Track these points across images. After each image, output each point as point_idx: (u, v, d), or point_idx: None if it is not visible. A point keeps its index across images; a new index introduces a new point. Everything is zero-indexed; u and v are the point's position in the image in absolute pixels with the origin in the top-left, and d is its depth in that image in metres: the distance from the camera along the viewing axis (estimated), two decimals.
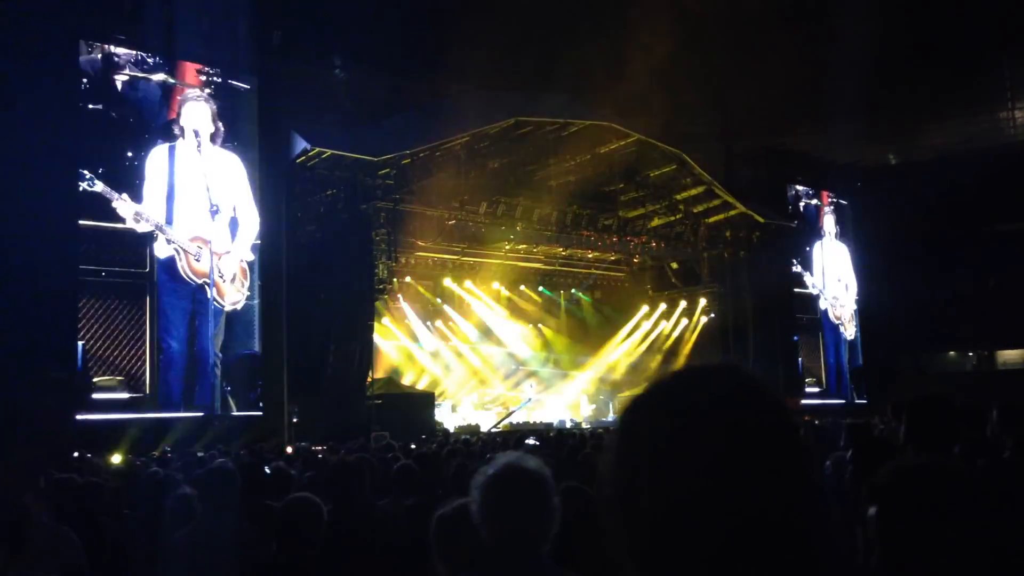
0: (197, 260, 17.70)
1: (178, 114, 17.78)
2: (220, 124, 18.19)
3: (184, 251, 17.56)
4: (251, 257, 18.37)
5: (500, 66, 20.53)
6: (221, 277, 17.90)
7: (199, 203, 17.82)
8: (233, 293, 18.21)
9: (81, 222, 16.13)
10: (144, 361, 16.81)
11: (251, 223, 18.46)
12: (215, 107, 18.18)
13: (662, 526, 0.98)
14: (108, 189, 16.56)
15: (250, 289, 18.41)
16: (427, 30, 20.93)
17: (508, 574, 2.16)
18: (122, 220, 16.73)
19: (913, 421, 3.21)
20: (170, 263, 17.47)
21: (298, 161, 18.50)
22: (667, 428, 1.01)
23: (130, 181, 16.96)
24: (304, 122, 19.02)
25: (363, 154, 18.64)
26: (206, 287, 17.77)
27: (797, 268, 27.22)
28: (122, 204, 16.83)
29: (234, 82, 18.35)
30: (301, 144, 18.31)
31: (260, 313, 17.98)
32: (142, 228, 17.05)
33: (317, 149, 18.28)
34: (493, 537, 2.22)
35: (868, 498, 1.70)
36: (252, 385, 18.02)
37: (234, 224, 18.22)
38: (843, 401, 27.46)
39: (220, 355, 17.85)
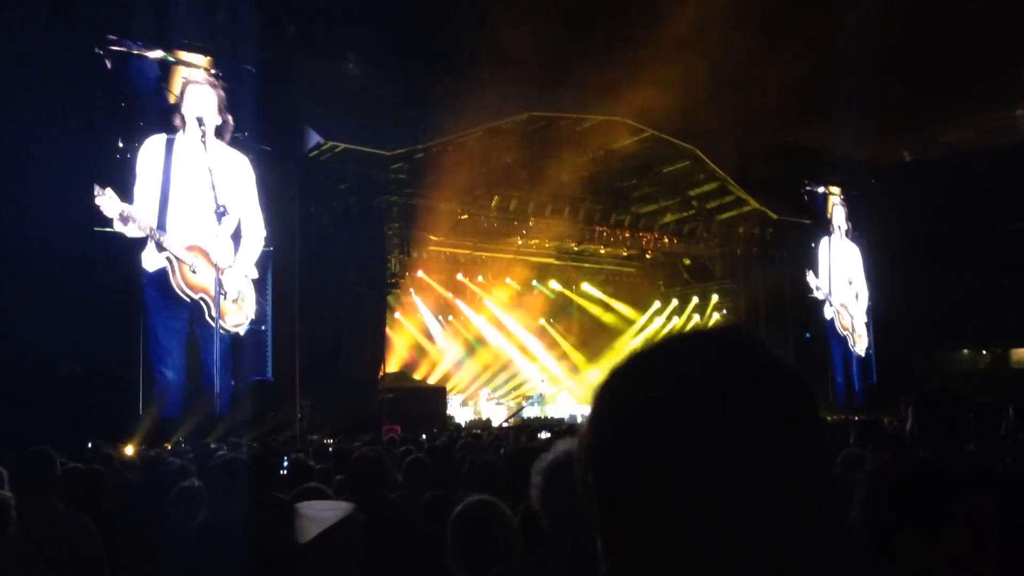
0: (193, 272, 15.63)
1: (180, 100, 15.84)
2: (229, 117, 16.48)
3: (178, 260, 15.48)
4: (255, 274, 16.80)
5: (514, 61, 20.48)
6: (223, 294, 15.91)
7: (199, 206, 15.74)
8: (235, 314, 16.30)
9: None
10: (137, 394, 15.02)
11: (257, 235, 16.90)
12: (223, 95, 16.45)
13: (635, 510, 0.84)
14: (96, 186, 14.67)
15: (256, 312, 16.76)
16: (441, 24, 20.92)
17: (568, 558, 2.19)
18: (108, 222, 14.72)
19: (921, 416, 3.17)
20: (161, 277, 15.36)
21: (311, 155, 18.51)
22: (645, 397, 0.87)
23: (120, 177, 15.02)
24: (317, 116, 19.03)
25: (376, 148, 18.66)
26: (204, 304, 15.76)
27: (810, 277, 26.72)
28: (106, 201, 14.66)
29: (244, 66, 17.36)
30: (314, 138, 18.31)
31: (272, 306, 17.71)
32: (130, 232, 15.03)
33: (330, 143, 18.28)
34: (553, 522, 2.26)
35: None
36: (263, 418, 15.40)
37: (237, 235, 16.41)
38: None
39: (232, 384, 16.16)
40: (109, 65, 15.53)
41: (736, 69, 20.82)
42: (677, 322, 28.23)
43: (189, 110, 16.02)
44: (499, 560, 2.60)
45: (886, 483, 1.61)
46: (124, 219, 14.98)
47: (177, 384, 15.56)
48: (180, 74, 16.17)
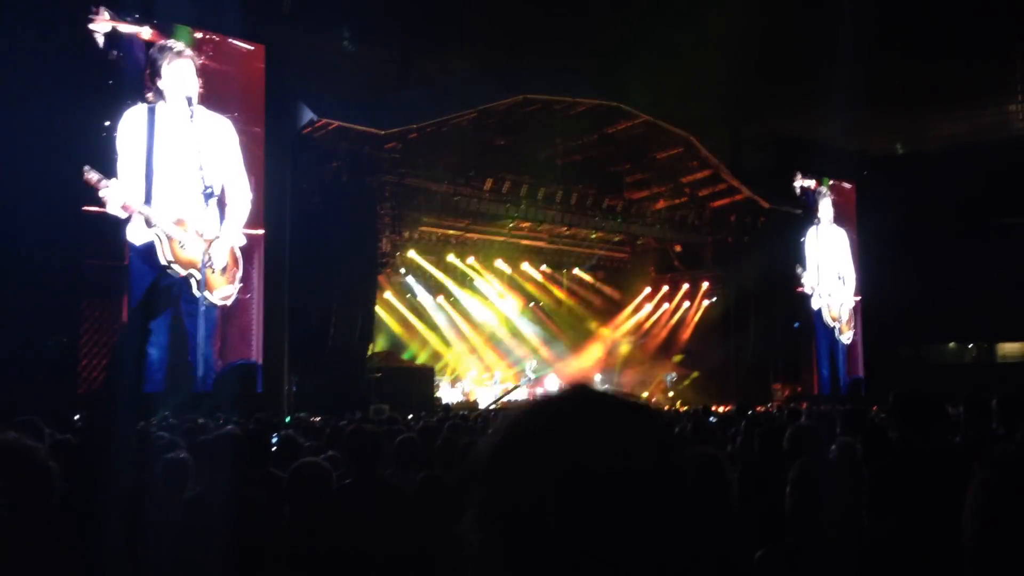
0: (182, 247, 15.46)
1: (158, 73, 15.47)
2: (201, 81, 16.04)
3: (167, 237, 15.28)
4: (242, 242, 16.60)
5: (510, 43, 20.42)
6: (211, 267, 15.75)
7: (186, 181, 15.49)
8: (224, 286, 16.08)
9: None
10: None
11: (242, 202, 16.65)
12: (199, 62, 16.04)
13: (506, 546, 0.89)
14: (96, 173, 14.44)
15: (242, 280, 16.49)
16: (436, 3, 20.81)
17: None
18: (96, 202, 14.45)
19: (900, 414, 3.25)
20: (148, 251, 15.12)
21: (304, 132, 18.41)
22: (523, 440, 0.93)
23: (106, 154, 14.78)
24: (311, 93, 18.90)
25: (370, 127, 18.56)
26: (192, 280, 15.55)
27: (799, 272, 26.78)
28: (111, 192, 14.54)
29: (237, 42, 17.11)
30: (308, 114, 18.18)
31: (263, 284, 17.53)
32: (121, 214, 14.84)
33: (324, 120, 18.17)
34: None
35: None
36: (247, 406, 14.50)
37: (222, 203, 16.16)
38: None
39: (219, 362, 15.96)
40: (100, 42, 15.17)
41: (732, 57, 20.79)
42: (667, 308, 28.30)
43: (170, 83, 15.62)
44: None
45: (1014, 472, 1.57)
46: (126, 209, 14.81)
47: (160, 361, 15.38)
48: (166, 48, 15.81)
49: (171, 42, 15.85)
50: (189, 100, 15.63)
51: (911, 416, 3.26)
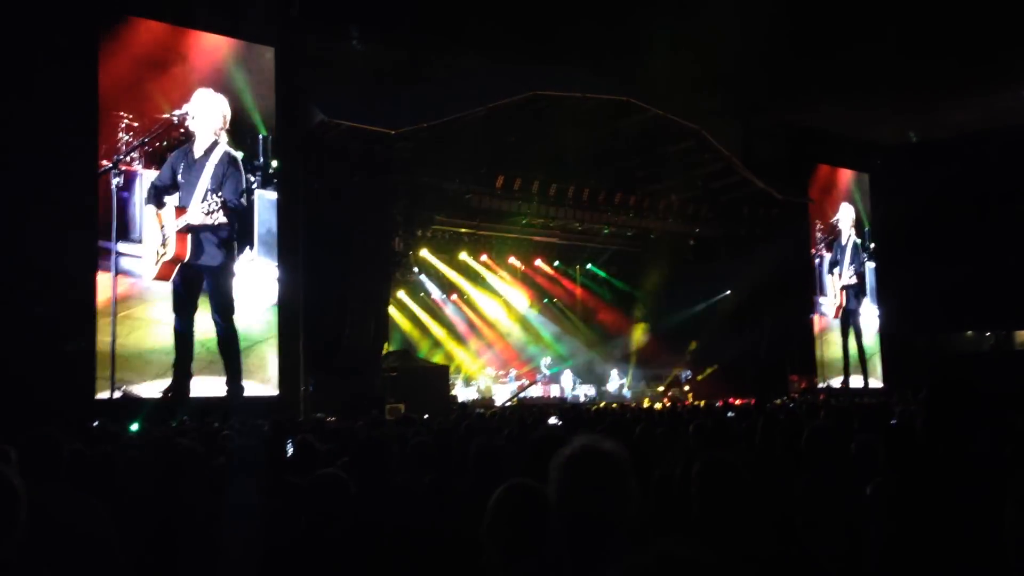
0: (193, 254, 16.18)
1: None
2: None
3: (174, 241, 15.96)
4: (254, 248, 17.12)
5: (519, 39, 20.34)
6: (221, 274, 16.38)
7: (200, 195, 16.19)
8: (235, 291, 16.56)
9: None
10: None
11: (254, 212, 17.24)
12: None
13: None
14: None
15: (253, 284, 16.98)
16: (445, 2, 20.74)
17: (583, 556, 2.13)
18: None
19: (935, 407, 3.14)
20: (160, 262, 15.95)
21: (315, 133, 18.43)
22: None
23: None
24: (321, 93, 18.91)
25: (381, 126, 18.55)
26: (206, 285, 16.22)
27: (816, 260, 26.80)
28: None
29: (246, 44, 17.54)
30: (318, 115, 18.21)
31: (277, 286, 17.57)
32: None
33: (334, 121, 18.19)
34: (569, 518, 2.18)
35: None
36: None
37: (234, 214, 16.65)
38: None
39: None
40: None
41: (743, 47, 20.67)
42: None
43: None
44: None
45: None
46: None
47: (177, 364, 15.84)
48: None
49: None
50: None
51: (945, 410, 3.13)
